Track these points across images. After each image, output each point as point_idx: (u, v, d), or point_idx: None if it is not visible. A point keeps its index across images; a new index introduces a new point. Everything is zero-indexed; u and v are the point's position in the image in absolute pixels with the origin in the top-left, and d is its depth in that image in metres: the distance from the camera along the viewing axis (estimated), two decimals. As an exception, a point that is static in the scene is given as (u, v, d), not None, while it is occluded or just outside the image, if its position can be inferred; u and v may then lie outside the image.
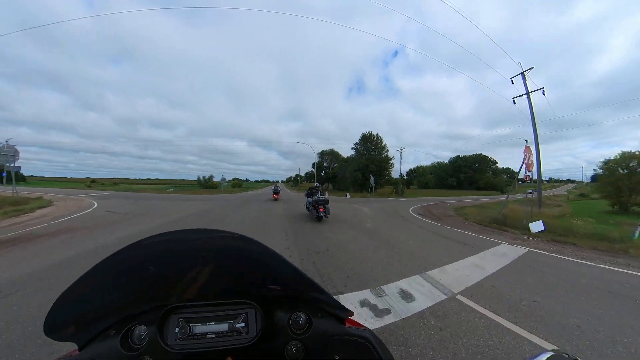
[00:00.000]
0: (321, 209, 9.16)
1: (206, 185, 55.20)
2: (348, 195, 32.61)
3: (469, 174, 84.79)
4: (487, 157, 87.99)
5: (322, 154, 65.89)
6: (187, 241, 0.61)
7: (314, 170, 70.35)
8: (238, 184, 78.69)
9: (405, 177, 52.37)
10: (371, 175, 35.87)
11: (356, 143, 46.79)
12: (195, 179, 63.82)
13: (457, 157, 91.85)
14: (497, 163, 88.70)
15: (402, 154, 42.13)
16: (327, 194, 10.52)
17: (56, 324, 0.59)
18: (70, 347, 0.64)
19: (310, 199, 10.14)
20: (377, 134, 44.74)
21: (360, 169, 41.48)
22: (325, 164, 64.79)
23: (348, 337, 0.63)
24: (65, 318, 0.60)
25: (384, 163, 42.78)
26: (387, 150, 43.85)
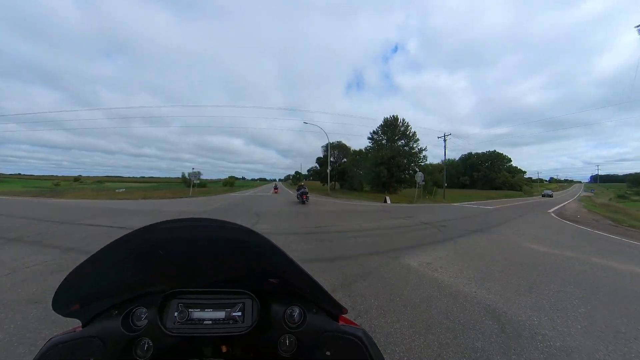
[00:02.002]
0: (304, 197, 15.62)
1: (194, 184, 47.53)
2: (388, 199, 20.91)
3: (482, 172, 78.82)
4: (502, 154, 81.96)
5: (328, 147, 58.87)
6: (195, 229, 0.61)
7: (317, 166, 63.34)
8: (230, 183, 70.03)
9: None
10: (417, 170, 27.34)
11: (373, 132, 38.57)
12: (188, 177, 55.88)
13: (470, 154, 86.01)
14: (511, 161, 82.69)
15: (445, 141, 30.74)
16: (306, 188, 16.56)
17: (63, 300, 0.61)
18: (76, 323, 0.66)
19: (298, 192, 16.32)
20: (404, 119, 35.80)
21: (385, 163, 32.95)
22: (332, 159, 57.71)
23: (341, 334, 0.63)
24: (71, 295, 0.61)
25: (414, 157, 34.25)
26: (418, 140, 34.97)
